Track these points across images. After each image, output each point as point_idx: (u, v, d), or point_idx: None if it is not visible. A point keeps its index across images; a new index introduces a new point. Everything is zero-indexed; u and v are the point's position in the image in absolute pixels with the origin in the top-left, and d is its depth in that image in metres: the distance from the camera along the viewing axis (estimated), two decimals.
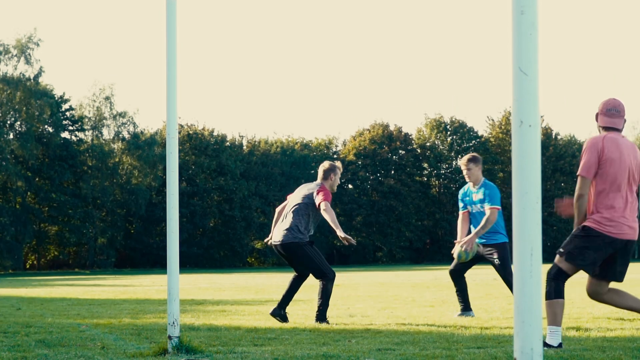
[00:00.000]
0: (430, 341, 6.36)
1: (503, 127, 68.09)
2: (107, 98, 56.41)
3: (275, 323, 8.34)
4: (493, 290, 15.13)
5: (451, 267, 9.06)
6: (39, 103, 50.89)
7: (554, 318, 5.92)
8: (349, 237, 8.22)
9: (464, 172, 8.99)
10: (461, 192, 9.14)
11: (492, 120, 69.80)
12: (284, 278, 26.82)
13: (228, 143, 62.34)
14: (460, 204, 9.03)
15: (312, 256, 8.43)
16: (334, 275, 8.47)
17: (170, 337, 5.63)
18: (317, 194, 8.47)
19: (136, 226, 58.53)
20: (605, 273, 6.35)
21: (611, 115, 6.28)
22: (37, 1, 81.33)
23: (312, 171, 65.45)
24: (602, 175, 6.06)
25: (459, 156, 68.99)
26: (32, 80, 51.58)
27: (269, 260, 60.83)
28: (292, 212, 8.56)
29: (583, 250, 6.04)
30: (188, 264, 54.58)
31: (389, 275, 29.17)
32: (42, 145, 53.31)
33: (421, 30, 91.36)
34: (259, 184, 61.91)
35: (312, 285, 19.70)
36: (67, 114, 55.90)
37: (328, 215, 8.28)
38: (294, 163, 64.37)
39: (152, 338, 6.84)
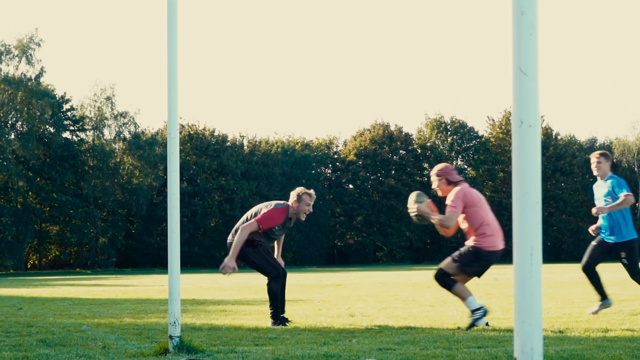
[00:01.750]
0: (430, 341, 6.36)
1: (503, 127, 68.07)
2: (108, 98, 56.43)
3: None
4: (493, 290, 15.14)
5: None
6: (40, 103, 50.91)
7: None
8: (228, 269, 7.88)
9: None
10: None
11: (493, 120, 69.78)
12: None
13: (229, 143, 62.36)
14: None
15: (252, 257, 8.14)
16: (277, 274, 8.10)
17: (171, 337, 5.64)
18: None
19: (137, 226, 58.55)
20: None
21: None
22: (38, 1, 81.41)
23: (313, 171, 65.50)
24: None
25: (460, 156, 69.04)
26: (33, 81, 51.60)
27: None
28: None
29: None
30: (189, 264, 54.60)
31: (390, 275, 29.18)
32: (44, 145, 53.33)
33: (421, 31, 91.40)
34: (260, 184, 61.90)
35: (311, 285, 19.69)
36: (69, 114, 55.93)
37: (237, 235, 8.03)
38: (294, 163, 64.38)
39: (153, 338, 6.85)
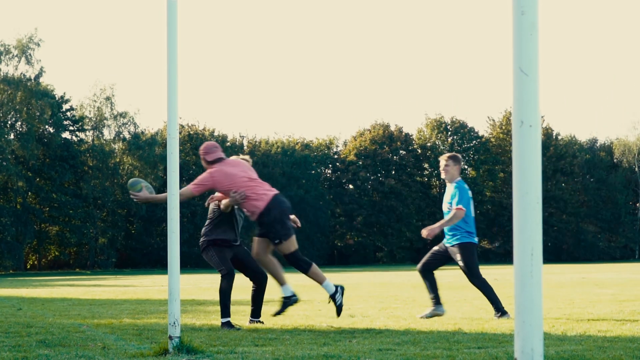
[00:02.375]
0: (430, 341, 6.36)
1: (504, 127, 68.09)
2: (107, 98, 56.44)
3: (275, 323, 8.35)
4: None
5: None
6: (40, 103, 50.91)
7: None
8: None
9: None
10: None
11: (493, 120, 69.80)
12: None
13: (229, 143, 62.35)
14: None
15: (210, 253, 8.30)
16: (228, 272, 8.13)
17: (171, 337, 5.63)
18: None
19: (137, 226, 58.53)
20: None
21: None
22: (37, 1, 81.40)
23: (313, 171, 65.50)
24: None
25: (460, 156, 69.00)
26: (32, 81, 51.60)
27: None
28: None
29: None
30: (189, 264, 54.58)
31: (390, 275, 29.17)
32: (43, 145, 53.33)
33: (422, 31, 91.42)
34: None
35: (311, 286, 19.68)
36: (68, 114, 55.93)
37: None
38: (294, 163, 64.35)
39: (153, 338, 6.84)
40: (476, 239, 8.93)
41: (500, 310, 8.60)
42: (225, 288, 8.08)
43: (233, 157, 8.26)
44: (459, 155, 9.24)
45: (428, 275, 8.95)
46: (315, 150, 67.30)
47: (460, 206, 8.71)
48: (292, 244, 7.82)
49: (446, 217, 8.79)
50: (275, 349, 5.96)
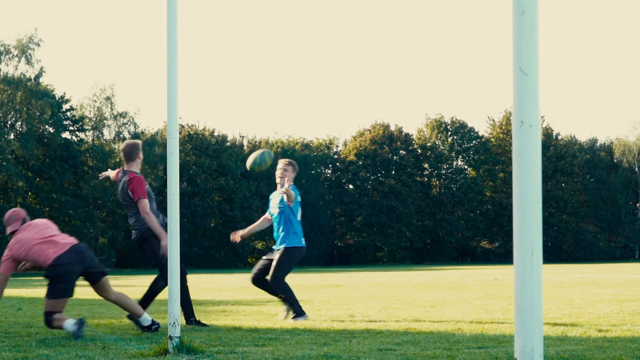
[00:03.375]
0: (430, 341, 6.36)
1: (504, 127, 68.09)
2: (107, 98, 56.44)
3: (275, 323, 8.34)
4: (494, 291, 15.13)
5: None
6: (40, 103, 50.91)
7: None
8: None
9: None
10: None
11: (493, 120, 69.81)
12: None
13: (229, 143, 62.35)
14: None
15: (156, 249, 8.06)
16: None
17: (171, 338, 5.64)
18: (129, 187, 8.15)
19: None
20: None
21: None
22: (37, 1, 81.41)
23: (313, 171, 65.48)
24: None
25: (460, 156, 69.03)
26: (32, 81, 51.59)
27: None
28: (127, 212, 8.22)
29: None
30: (189, 264, 54.59)
31: (390, 275, 29.17)
32: (43, 145, 53.33)
33: (421, 30, 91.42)
34: (260, 184, 61.89)
35: (311, 286, 19.67)
36: (68, 114, 55.92)
37: (149, 219, 7.89)
38: None
39: (153, 338, 6.85)
40: (303, 241, 8.99)
41: (298, 312, 8.68)
42: (162, 287, 7.95)
43: (37, 221, 7.73)
44: (295, 163, 9.39)
45: (263, 285, 8.96)
46: (315, 150, 67.29)
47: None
48: (60, 304, 7.34)
49: (292, 194, 8.87)
50: (275, 349, 5.96)
